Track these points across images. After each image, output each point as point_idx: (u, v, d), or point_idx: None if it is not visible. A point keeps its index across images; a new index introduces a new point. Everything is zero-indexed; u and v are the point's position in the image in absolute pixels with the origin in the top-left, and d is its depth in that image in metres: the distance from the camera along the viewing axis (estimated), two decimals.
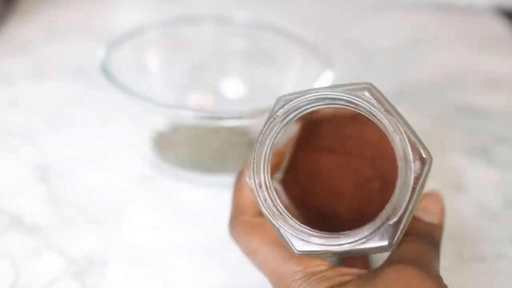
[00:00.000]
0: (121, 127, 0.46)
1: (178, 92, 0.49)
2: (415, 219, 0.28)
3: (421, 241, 0.26)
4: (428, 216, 0.29)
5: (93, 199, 0.38)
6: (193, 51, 0.50)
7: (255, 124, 0.37)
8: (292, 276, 0.26)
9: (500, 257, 0.35)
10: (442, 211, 0.29)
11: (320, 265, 0.26)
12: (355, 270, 0.26)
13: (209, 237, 0.36)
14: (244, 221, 0.29)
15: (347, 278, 0.26)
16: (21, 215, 0.37)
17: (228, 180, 0.41)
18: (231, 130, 0.41)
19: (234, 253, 0.35)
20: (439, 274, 0.25)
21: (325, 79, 0.39)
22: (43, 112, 0.48)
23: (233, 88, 0.49)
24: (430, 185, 0.42)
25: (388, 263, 0.25)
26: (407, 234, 0.26)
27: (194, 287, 0.32)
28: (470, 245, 0.36)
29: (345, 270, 0.26)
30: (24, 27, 0.63)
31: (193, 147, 0.41)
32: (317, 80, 0.39)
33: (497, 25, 0.72)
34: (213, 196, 0.40)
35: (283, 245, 0.27)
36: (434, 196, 0.30)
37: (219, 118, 0.35)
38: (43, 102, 0.49)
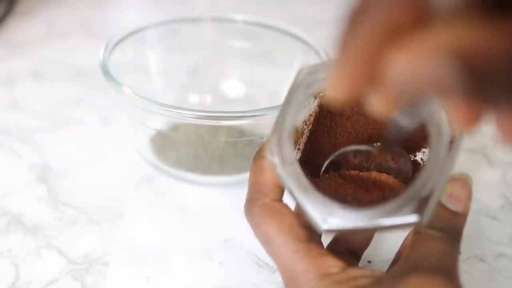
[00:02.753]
0: (121, 127, 0.46)
1: (178, 92, 0.49)
2: (440, 207, 0.26)
3: (445, 239, 0.25)
4: (453, 204, 0.27)
5: (93, 199, 0.38)
6: (193, 51, 0.50)
7: (255, 124, 0.37)
8: (304, 275, 0.25)
9: (500, 257, 0.35)
10: (469, 198, 0.27)
11: (333, 267, 0.25)
12: (367, 272, 0.25)
13: (209, 237, 0.36)
14: (263, 204, 0.27)
15: (361, 281, 0.24)
16: (21, 215, 0.37)
17: (228, 180, 0.41)
18: (231, 130, 0.41)
19: (234, 253, 0.35)
20: (461, 284, 0.24)
21: None
22: (43, 112, 0.48)
23: (233, 88, 0.49)
24: None
25: (410, 267, 0.24)
26: (431, 224, 0.25)
27: (194, 287, 0.32)
28: (470, 245, 0.36)
29: (358, 272, 0.25)
30: (24, 27, 0.63)
31: (193, 147, 0.41)
32: None
33: None
34: (213, 196, 0.40)
35: (299, 237, 0.26)
36: (462, 180, 0.27)
37: (219, 118, 0.35)
38: (43, 102, 0.49)
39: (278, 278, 0.33)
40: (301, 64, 0.45)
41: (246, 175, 0.40)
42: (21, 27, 0.63)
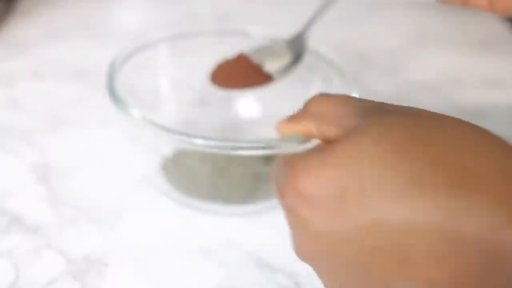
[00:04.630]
0: (121, 127, 0.46)
1: (189, 110, 0.45)
2: None
3: None
4: None
5: (93, 199, 0.38)
6: (204, 67, 0.46)
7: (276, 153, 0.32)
8: None
9: None
10: None
11: None
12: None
13: (209, 237, 0.36)
14: None
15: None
16: (21, 215, 0.37)
17: (251, 209, 0.38)
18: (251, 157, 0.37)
19: (234, 253, 0.35)
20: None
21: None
22: (43, 112, 0.48)
23: (248, 107, 0.46)
24: None
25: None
26: None
27: (194, 287, 0.32)
28: None
29: None
30: (24, 27, 0.63)
31: (208, 173, 0.37)
32: None
33: (497, 25, 0.72)
34: None
35: None
36: None
37: (234, 148, 0.30)
38: (43, 102, 0.49)
39: (278, 278, 0.33)
40: (322, 83, 0.41)
41: (270, 203, 0.37)
42: (21, 27, 0.63)
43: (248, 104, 0.46)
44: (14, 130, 0.45)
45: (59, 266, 0.33)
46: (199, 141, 0.31)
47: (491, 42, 0.67)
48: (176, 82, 0.45)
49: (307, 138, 0.27)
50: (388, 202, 0.19)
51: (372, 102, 0.24)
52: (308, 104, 0.26)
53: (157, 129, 0.32)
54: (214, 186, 0.37)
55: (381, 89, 0.55)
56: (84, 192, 0.39)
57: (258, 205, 0.37)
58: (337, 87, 0.39)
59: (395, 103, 0.53)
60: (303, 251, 0.22)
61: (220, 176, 0.37)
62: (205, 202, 0.37)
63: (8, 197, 0.38)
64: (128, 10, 0.71)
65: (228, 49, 0.44)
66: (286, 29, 0.66)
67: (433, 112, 0.23)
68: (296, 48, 0.39)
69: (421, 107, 0.52)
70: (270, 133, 0.43)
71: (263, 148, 0.31)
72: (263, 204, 0.37)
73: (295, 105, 0.43)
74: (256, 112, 0.46)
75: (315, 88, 0.42)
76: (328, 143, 0.24)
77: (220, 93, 0.46)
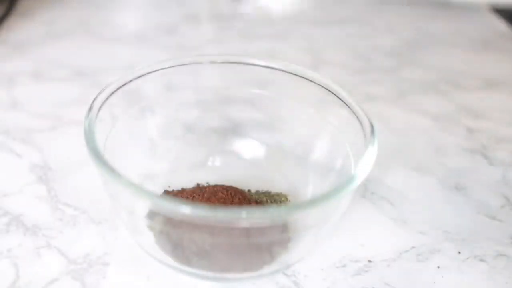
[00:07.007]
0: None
1: (183, 150, 0.41)
2: None
3: None
4: None
5: (93, 199, 0.38)
6: (197, 100, 0.41)
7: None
8: None
9: (500, 257, 0.35)
10: None
11: None
12: None
13: None
14: None
15: None
16: (21, 215, 0.37)
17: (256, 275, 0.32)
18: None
19: None
20: None
21: (367, 153, 0.30)
22: (43, 112, 0.48)
23: (249, 147, 0.41)
24: (431, 184, 0.42)
25: None
26: None
27: (194, 287, 0.32)
28: (470, 245, 0.36)
29: None
30: (24, 27, 0.63)
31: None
32: (353, 147, 0.32)
33: (497, 25, 0.72)
34: None
35: None
36: None
37: (230, 221, 0.26)
38: (43, 102, 0.49)
39: (278, 278, 0.33)
40: (335, 125, 0.35)
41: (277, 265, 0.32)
42: (21, 27, 0.63)
43: (248, 144, 0.41)
44: (14, 130, 0.45)
45: (59, 266, 0.33)
46: (187, 209, 0.25)
47: (491, 42, 0.67)
48: (167, 117, 0.40)
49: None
50: None
51: None
52: None
53: (137, 190, 0.27)
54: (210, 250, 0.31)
55: (381, 89, 0.55)
56: (84, 192, 0.39)
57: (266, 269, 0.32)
58: (352, 131, 0.34)
59: (395, 103, 0.53)
60: None
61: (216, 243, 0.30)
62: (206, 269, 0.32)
63: (8, 197, 0.38)
64: (128, 10, 0.71)
65: (226, 79, 0.38)
66: (287, 30, 0.66)
67: None
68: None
69: (421, 107, 0.52)
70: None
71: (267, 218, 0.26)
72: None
73: (302, 149, 0.38)
74: (259, 153, 0.41)
75: (328, 129, 0.37)
76: None
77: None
